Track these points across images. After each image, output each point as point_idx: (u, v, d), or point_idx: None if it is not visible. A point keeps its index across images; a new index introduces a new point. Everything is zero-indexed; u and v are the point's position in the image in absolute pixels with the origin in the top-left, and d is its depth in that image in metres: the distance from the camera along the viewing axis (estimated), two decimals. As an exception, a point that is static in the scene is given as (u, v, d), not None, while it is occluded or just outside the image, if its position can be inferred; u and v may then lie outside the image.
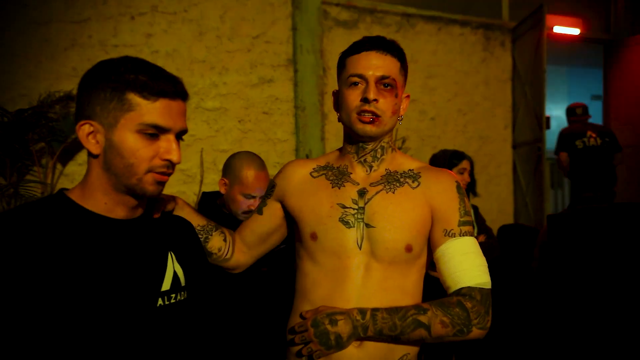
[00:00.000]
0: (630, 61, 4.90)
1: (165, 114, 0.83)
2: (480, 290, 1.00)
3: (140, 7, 3.04)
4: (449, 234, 1.04)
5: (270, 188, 1.21)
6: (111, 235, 0.84)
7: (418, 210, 1.06)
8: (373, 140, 1.09)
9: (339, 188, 1.10)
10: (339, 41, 3.65)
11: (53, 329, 0.74)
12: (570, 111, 4.21)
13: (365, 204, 1.06)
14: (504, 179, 4.38)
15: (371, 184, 1.09)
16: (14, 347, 0.72)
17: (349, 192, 1.08)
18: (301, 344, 0.98)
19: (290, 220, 1.17)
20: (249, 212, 1.48)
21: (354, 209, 1.06)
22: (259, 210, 1.21)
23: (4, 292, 0.71)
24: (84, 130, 0.83)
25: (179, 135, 0.88)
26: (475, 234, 2.31)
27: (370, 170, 1.11)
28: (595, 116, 5.90)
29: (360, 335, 0.97)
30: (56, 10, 2.80)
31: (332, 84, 3.62)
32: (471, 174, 2.39)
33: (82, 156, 2.89)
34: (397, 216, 1.04)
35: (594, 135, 3.93)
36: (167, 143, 0.84)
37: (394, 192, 1.07)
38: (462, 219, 1.06)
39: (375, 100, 1.03)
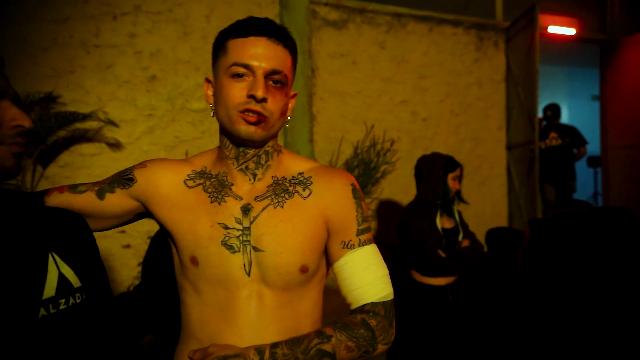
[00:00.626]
0: (627, 61, 4.84)
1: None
2: (384, 304, 0.93)
3: (123, 6, 2.98)
4: (347, 246, 0.94)
5: (126, 178, 0.99)
6: None
7: (311, 225, 0.93)
8: (257, 146, 0.93)
9: (219, 204, 0.93)
10: (328, 41, 3.59)
11: None
12: (543, 113, 4.58)
13: (251, 223, 0.92)
14: (498, 180, 4.32)
15: (256, 198, 0.94)
16: None
17: (231, 210, 0.93)
18: None
19: (165, 232, 1.00)
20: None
21: (237, 229, 0.92)
22: (100, 193, 0.98)
23: None
24: None
25: (14, 99, 0.79)
26: (460, 239, 2.27)
27: (254, 180, 0.96)
28: (596, 116, 5.84)
29: None
30: (35, 9, 2.75)
31: (322, 85, 3.56)
32: (460, 180, 2.34)
33: (63, 158, 2.84)
34: (289, 235, 0.92)
35: (555, 135, 4.61)
36: (7, 109, 0.76)
37: (282, 207, 0.93)
38: (360, 227, 0.96)
39: (264, 99, 0.88)
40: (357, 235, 0.95)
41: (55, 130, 2.57)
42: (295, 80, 3.43)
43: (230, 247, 0.90)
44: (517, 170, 4.19)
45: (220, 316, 0.90)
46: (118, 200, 0.97)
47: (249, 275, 0.90)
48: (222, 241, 0.90)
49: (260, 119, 0.88)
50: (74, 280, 0.81)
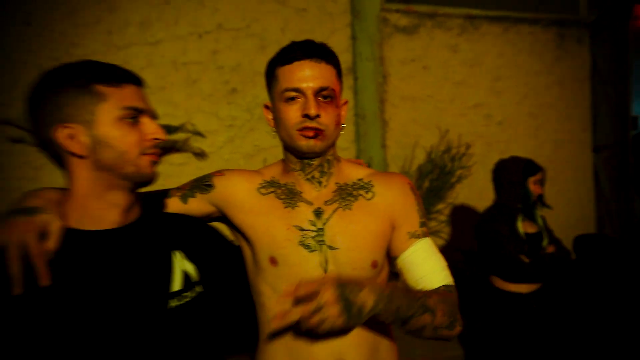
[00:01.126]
0: None
1: (137, 97, 0.86)
2: (455, 288, 1.03)
3: (207, 25, 3.22)
4: (414, 236, 1.03)
5: (206, 184, 1.09)
6: (105, 248, 0.83)
7: (379, 224, 1.03)
8: (318, 156, 1.02)
9: (293, 209, 1.03)
10: (399, 48, 3.61)
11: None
12: None
13: (324, 224, 1.01)
14: (583, 185, 4.05)
15: (325, 202, 1.04)
16: None
17: (305, 214, 1.02)
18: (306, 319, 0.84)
19: (237, 236, 1.09)
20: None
21: (312, 231, 1.00)
22: (184, 198, 1.07)
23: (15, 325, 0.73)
24: (62, 133, 0.82)
25: (152, 115, 0.90)
26: (545, 244, 2.17)
27: (320, 187, 1.05)
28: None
29: (377, 310, 0.86)
30: (132, 35, 3.06)
31: (393, 91, 3.58)
32: (543, 183, 2.26)
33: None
34: (359, 234, 1.01)
35: None
36: (148, 124, 0.86)
37: (351, 209, 1.03)
38: (421, 220, 1.06)
39: (318, 115, 0.96)
40: (420, 227, 1.05)
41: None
42: (367, 87, 3.48)
43: (307, 247, 0.99)
44: (606, 173, 3.91)
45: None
46: (198, 205, 1.07)
47: (325, 272, 0.98)
48: (299, 242, 0.99)
49: (318, 133, 0.97)
50: (194, 275, 0.92)
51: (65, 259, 0.79)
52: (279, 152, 1.08)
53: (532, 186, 2.20)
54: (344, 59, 3.48)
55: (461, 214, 3.58)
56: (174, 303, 0.86)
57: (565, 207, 3.99)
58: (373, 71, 3.48)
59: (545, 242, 2.17)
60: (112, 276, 0.82)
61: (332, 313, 0.81)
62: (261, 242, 1.01)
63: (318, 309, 0.81)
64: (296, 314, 0.82)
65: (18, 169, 2.81)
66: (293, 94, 0.97)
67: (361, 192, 1.06)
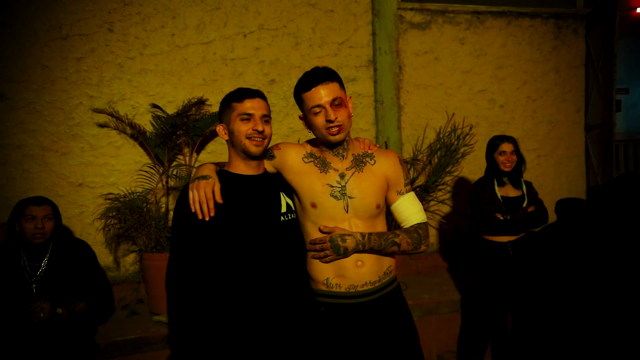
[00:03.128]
0: None
1: (248, 106, 1.54)
2: (425, 223, 1.66)
3: (250, 26, 3.82)
4: (400, 193, 1.64)
5: (270, 155, 1.65)
6: (246, 184, 1.55)
7: (379, 181, 1.60)
8: (341, 142, 1.58)
9: (325, 173, 1.57)
10: (413, 42, 4.16)
11: (220, 243, 1.45)
12: None
13: (346, 183, 1.57)
14: (575, 160, 4.59)
15: (346, 169, 1.59)
16: (197, 254, 1.44)
17: (333, 176, 1.57)
18: (319, 250, 1.52)
19: (290, 188, 1.64)
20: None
21: (338, 187, 1.56)
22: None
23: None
24: (220, 128, 1.58)
25: (263, 117, 1.55)
26: (525, 205, 2.76)
27: (343, 159, 1.60)
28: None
29: (359, 249, 1.52)
30: (191, 35, 3.68)
31: (408, 80, 4.15)
32: (517, 153, 2.78)
33: (210, 147, 3.77)
34: (369, 187, 1.57)
35: None
36: (253, 121, 1.53)
37: (362, 171, 1.59)
38: (405, 182, 1.64)
39: (337, 117, 1.50)
40: (404, 186, 1.65)
41: (208, 126, 3.48)
42: (385, 77, 4.05)
43: (335, 197, 1.56)
44: (594, 150, 4.45)
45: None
46: (267, 166, 1.67)
47: (347, 212, 1.57)
48: (330, 193, 1.56)
49: (339, 129, 1.52)
50: (292, 206, 1.62)
51: (227, 188, 1.52)
52: (309, 134, 1.65)
53: (498, 157, 2.75)
54: (365, 53, 4.06)
55: (465, 185, 4.19)
56: (282, 218, 1.57)
57: (560, 179, 4.56)
58: (390, 63, 4.04)
59: (525, 204, 2.76)
60: (250, 200, 1.53)
61: (328, 251, 1.52)
62: (305, 193, 1.57)
63: (322, 248, 1.53)
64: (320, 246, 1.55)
65: (105, 148, 3.51)
66: (317, 109, 1.51)
67: (368, 160, 1.62)
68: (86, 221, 3.44)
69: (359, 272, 1.54)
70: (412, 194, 1.67)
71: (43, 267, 2.27)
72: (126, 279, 3.54)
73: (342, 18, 4.00)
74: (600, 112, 4.30)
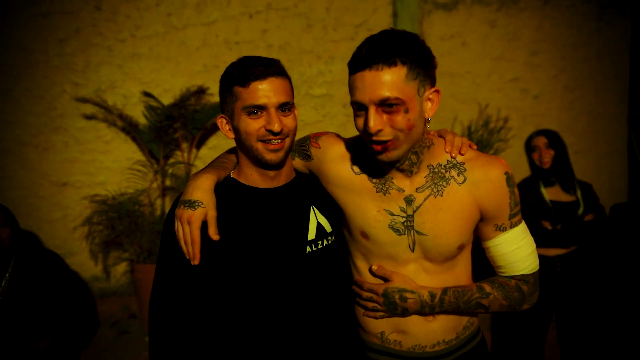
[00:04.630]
0: None
1: (258, 94, 1.00)
2: (533, 275, 1.11)
3: (257, 5, 3.39)
4: (500, 229, 1.06)
5: (305, 153, 1.16)
6: (259, 202, 1.05)
7: (467, 211, 1.05)
8: (399, 160, 1.01)
9: (384, 194, 1.06)
10: (439, 24, 3.71)
11: (218, 288, 0.99)
12: None
13: (414, 212, 1.05)
14: (618, 156, 4.14)
15: (417, 190, 1.06)
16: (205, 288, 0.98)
17: (396, 200, 1.06)
18: (366, 300, 1.09)
19: (329, 200, 1.16)
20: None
21: (402, 216, 1.05)
22: (292, 155, 1.17)
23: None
24: (221, 122, 1.07)
25: (282, 107, 1.01)
26: (581, 212, 2.32)
27: (412, 175, 1.05)
28: None
29: (426, 312, 1.07)
30: (190, 15, 3.26)
31: (432, 66, 3.70)
32: (555, 146, 2.35)
33: (212, 141, 3.36)
34: (449, 222, 1.04)
35: None
36: (267, 116, 1.01)
37: (442, 195, 1.04)
38: (512, 212, 1.05)
39: (380, 130, 0.95)
40: (509, 219, 1.06)
41: (209, 118, 3.07)
42: (407, 63, 3.61)
43: (396, 231, 1.06)
44: (640, 145, 3.99)
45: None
46: (298, 165, 1.18)
47: (412, 251, 1.08)
48: (389, 225, 1.06)
49: (386, 146, 0.96)
50: (327, 227, 1.13)
51: (232, 206, 1.05)
52: (322, 127, 1.23)
53: (533, 155, 2.36)
54: (386, 36, 3.62)
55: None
56: (308, 250, 1.07)
57: (600, 178, 4.10)
58: (414, 47, 3.60)
59: (580, 211, 2.33)
60: (263, 226, 1.05)
61: (380, 306, 1.08)
62: (354, 218, 1.09)
63: (370, 298, 1.08)
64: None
65: (92, 142, 3.11)
66: (358, 107, 0.99)
67: (453, 173, 1.05)
68: (70, 226, 3.05)
69: (428, 329, 1.10)
70: (520, 229, 1.09)
71: (3, 286, 1.86)
72: (117, 291, 3.14)
73: (359, -3, 3.57)
74: (648, 103, 3.84)
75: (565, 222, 2.29)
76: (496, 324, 2.91)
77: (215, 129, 3.35)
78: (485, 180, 1.04)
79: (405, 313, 1.08)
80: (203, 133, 3.18)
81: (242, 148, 1.07)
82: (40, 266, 1.97)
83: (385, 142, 0.95)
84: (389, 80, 0.92)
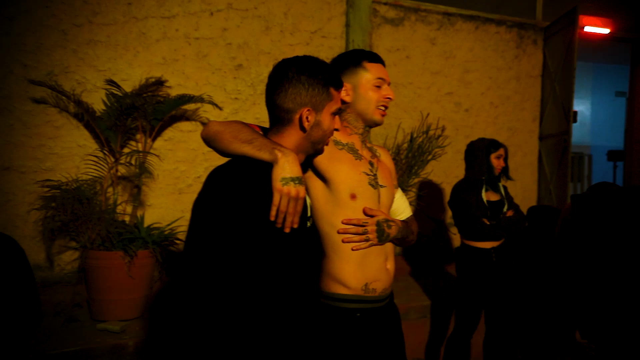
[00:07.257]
0: (656, 61, 5.16)
1: (339, 100, 1.32)
2: (413, 217, 1.65)
3: (218, 4, 3.48)
4: (396, 186, 1.61)
5: None
6: None
7: (391, 171, 1.60)
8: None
9: (359, 160, 1.44)
10: (386, 37, 4.05)
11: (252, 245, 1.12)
12: None
13: (376, 171, 1.48)
14: (529, 167, 4.75)
15: (371, 157, 1.51)
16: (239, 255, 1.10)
17: (365, 164, 1.45)
18: (360, 234, 1.36)
19: (319, 178, 1.40)
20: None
21: (372, 176, 1.45)
22: None
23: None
24: (305, 113, 1.20)
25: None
26: (505, 209, 2.73)
27: (365, 147, 1.51)
28: (620, 112, 6.15)
29: (398, 237, 1.46)
30: (150, 7, 3.26)
31: (379, 76, 4.02)
32: (505, 160, 2.78)
33: (167, 133, 3.38)
34: (388, 177, 1.54)
35: None
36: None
37: (380, 161, 1.55)
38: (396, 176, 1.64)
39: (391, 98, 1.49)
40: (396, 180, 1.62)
41: (171, 110, 3.10)
42: (357, 72, 3.89)
43: (373, 186, 1.44)
44: (548, 159, 4.62)
45: None
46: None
47: (379, 203, 1.45)
48: (368, 182, 1.42)
49: (385, 111, 1.48)
50: (308, 210, 1.33)
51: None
52: None
53: (494, 160, 2.72)
54: (338, 45, 3.88)
55: (429, 188, 4.15)
56: (309, 223, 1.30)
57: (515, 185, 4.68)
58: (364, 57, 3.89)
59: (505, 208, 2.73)
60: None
61: (371, 235, 1.38)
62: (344, 183, 1.37)
63: (364, 231, 1.38)
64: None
65: (41, 127, 2.99)
66: (380, 82, 1.45)
67: (375, 150, 1.58)
68: (13, 211, 2.92)
69: (388, 275, 1.47)
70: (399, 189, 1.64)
71: None
72: (61, 280, 3.05)
73: (315, 5, 3.79)
74: (557, 122, 4.47)
75: (497, 218, 2.67)
76: (435, 311, 3.24)
77: (172, 121, 3.38)
78: (386, 155, 1.63)
79: (387, 239, 1.43)
80: (161, 124, 3.20)
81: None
82: None
83: (386, 107, 1.47)
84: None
